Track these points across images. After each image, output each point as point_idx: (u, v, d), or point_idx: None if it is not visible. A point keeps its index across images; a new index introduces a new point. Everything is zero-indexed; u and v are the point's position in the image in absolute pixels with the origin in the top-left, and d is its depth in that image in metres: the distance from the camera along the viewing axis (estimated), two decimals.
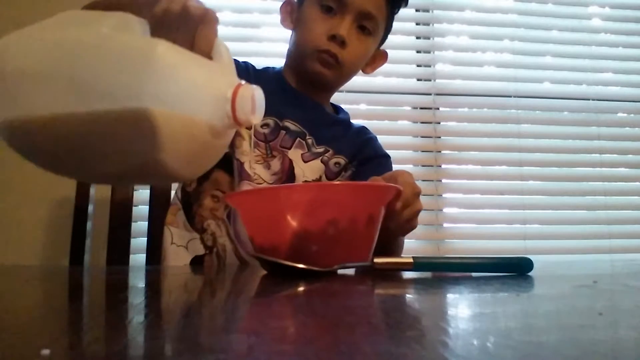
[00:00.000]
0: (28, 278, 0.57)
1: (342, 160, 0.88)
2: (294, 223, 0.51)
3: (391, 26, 0.93)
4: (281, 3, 0.91)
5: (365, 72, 0.94)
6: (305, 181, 0.84)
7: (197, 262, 0.81)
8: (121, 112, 0.37)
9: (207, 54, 0.46)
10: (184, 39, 0.44)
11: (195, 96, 0.41)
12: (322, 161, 0.87)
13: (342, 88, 0.97)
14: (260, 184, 0.82)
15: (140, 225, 1.19)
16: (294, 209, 0.52)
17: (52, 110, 0.39)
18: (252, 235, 0.56)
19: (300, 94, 0.90)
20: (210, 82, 0.42)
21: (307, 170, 0.85)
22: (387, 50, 0.97)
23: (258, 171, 0.82)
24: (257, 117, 0.43)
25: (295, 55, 0.88)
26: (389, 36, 0.94)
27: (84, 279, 0.56)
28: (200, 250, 0.81)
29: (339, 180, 0.88)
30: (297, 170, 0.84)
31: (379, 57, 0.95)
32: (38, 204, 1.26)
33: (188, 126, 0.40)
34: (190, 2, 0.46)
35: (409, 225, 0.71)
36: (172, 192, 0.90)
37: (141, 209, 1.21)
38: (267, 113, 0.90)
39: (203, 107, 0.41)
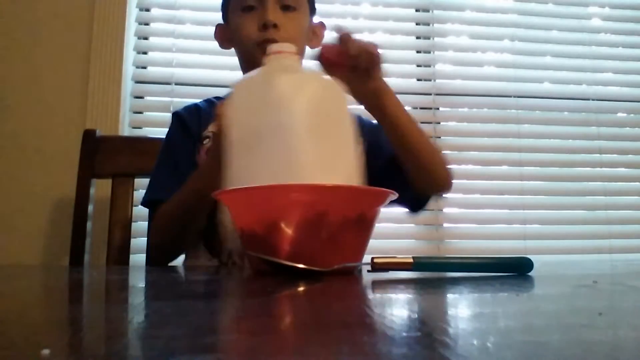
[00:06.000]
0: (28, 278, 0.57)
1: None
2: (282, 223, 0.51)
3: None
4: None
5: (312, 47, 0.92)
6: None
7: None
8: None
9: None
10: None
11: None
12: None
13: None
14: None
15: (140, 225, 1.19)
16: (285, 209, 0.51)
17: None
18: (240, 231, 0.56)
19: None
20: None
21: None
22: (387, 50, 0.97)
23: None
24: None
25: (245, 64, 0.90)
26: (389, 36, 0.95)
27: (84, 279, 0.56)
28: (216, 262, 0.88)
29: None
30: None
31: (318, 29, 0.96)
32: (38, 204, 1.26)
33: None
34: None
35: (377, 81, 0.77)
36: None
37: (141, 209, 1.20)
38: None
39: None
